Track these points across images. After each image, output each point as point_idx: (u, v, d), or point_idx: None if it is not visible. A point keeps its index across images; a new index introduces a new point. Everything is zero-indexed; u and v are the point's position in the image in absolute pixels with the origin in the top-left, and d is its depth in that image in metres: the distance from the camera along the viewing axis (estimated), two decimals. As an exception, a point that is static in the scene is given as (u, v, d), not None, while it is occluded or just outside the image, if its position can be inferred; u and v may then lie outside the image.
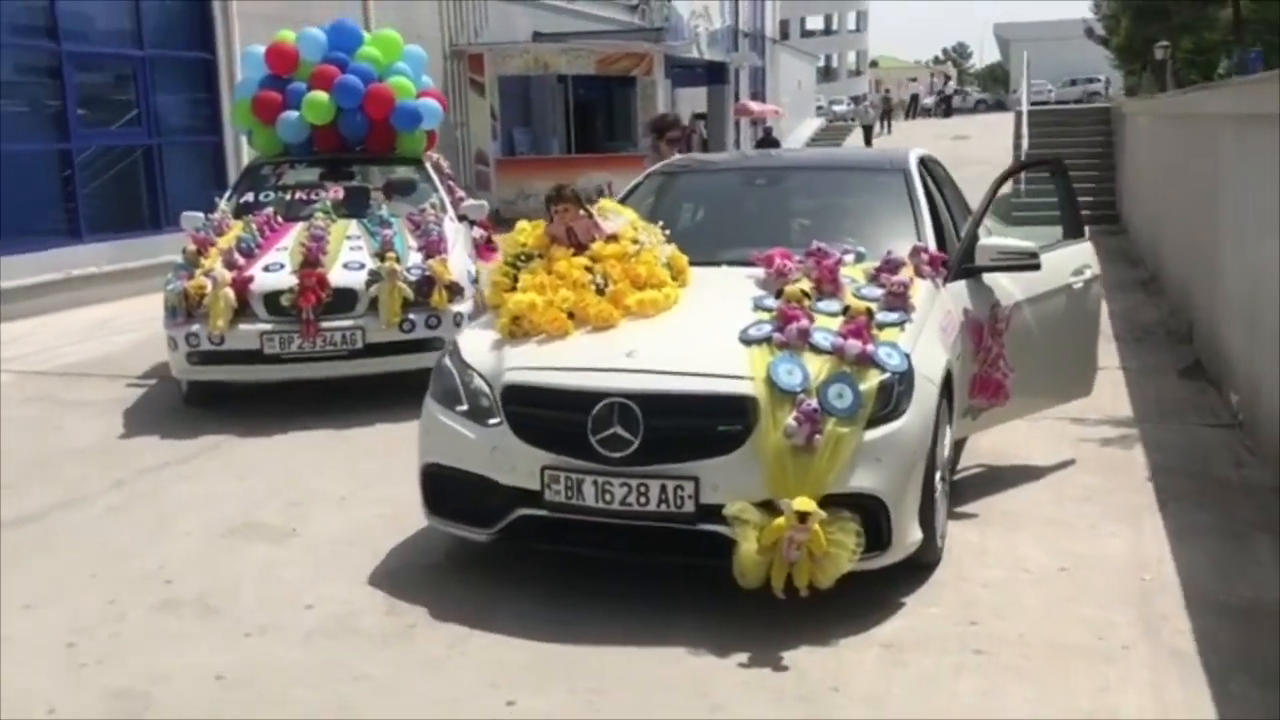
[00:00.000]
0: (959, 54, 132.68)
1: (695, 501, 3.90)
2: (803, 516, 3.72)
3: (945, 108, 52.84)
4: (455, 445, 4.36)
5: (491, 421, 4.29)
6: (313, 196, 8.38)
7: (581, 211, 4.82)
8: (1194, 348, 8.24)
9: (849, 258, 4.78)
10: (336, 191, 8.41)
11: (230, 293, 6.86)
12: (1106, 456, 5.89)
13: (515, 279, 4.75)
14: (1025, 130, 18.78)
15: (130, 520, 5.37)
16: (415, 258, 7.33)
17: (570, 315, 4.49)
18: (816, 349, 4.08)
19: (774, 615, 3.91)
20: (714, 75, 27.26)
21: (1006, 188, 7.01)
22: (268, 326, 6.92)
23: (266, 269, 7.13)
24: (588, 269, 4.62)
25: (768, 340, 4.11)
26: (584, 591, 4.27)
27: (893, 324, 4.26)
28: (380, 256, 7.18)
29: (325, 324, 6.93)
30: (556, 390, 4.17)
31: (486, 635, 3.99)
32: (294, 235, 7.64)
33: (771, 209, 5.68)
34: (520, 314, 4.48)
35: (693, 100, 28.88)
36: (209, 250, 7.33)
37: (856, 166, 6.07)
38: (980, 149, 35.62)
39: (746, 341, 4.15)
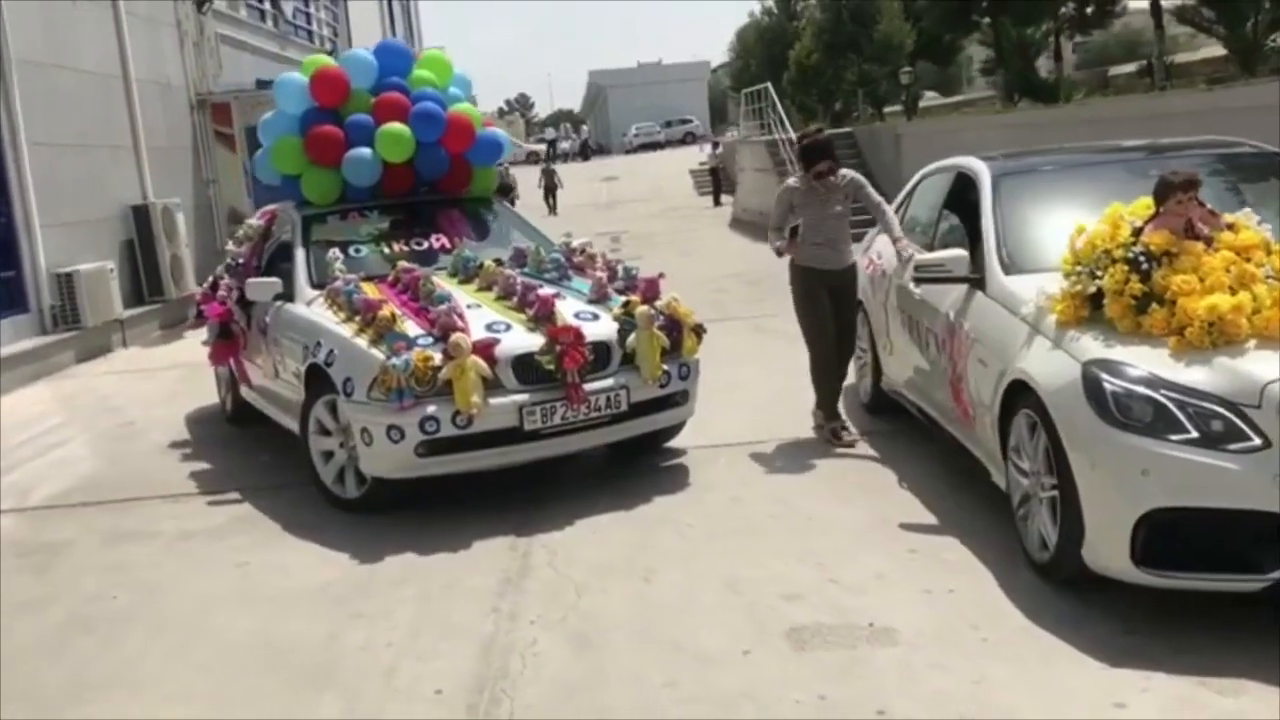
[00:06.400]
0: (522, 104, 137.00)
1: None
2: None
3: (584, 152, 54.27)
4: (1203, 481, 3.69)
5: (1237, 446, 3.67)
6: (419, 245, 7.00)
7: (1195, 201, 4.26)
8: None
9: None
10: (448, 239, 7.07)
11: (482, 362, 5.49)
12: None
13: (1144, 285, 4.10)
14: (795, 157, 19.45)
15: (643, 655, 4.08)
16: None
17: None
18: None
19: None
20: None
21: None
22: (524, 397, 5.61)
23: (491, 329, 5.79)
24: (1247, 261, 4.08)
25: None
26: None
27: None
28: (624, 306, 6.06)
29: (587, 386, 5.73)
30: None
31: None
32: (463, 289, 6.31)
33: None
34: (1218, 319, 3.86)
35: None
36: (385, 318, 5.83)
37: (1217, 152, 5.79)
38: (631, 188, 36.94)
39: None
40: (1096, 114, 11.21)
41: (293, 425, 6.57)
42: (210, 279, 8.27)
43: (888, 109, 31.93)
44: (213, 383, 8.76)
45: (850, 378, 7.18)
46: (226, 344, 7.53)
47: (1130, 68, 33.01)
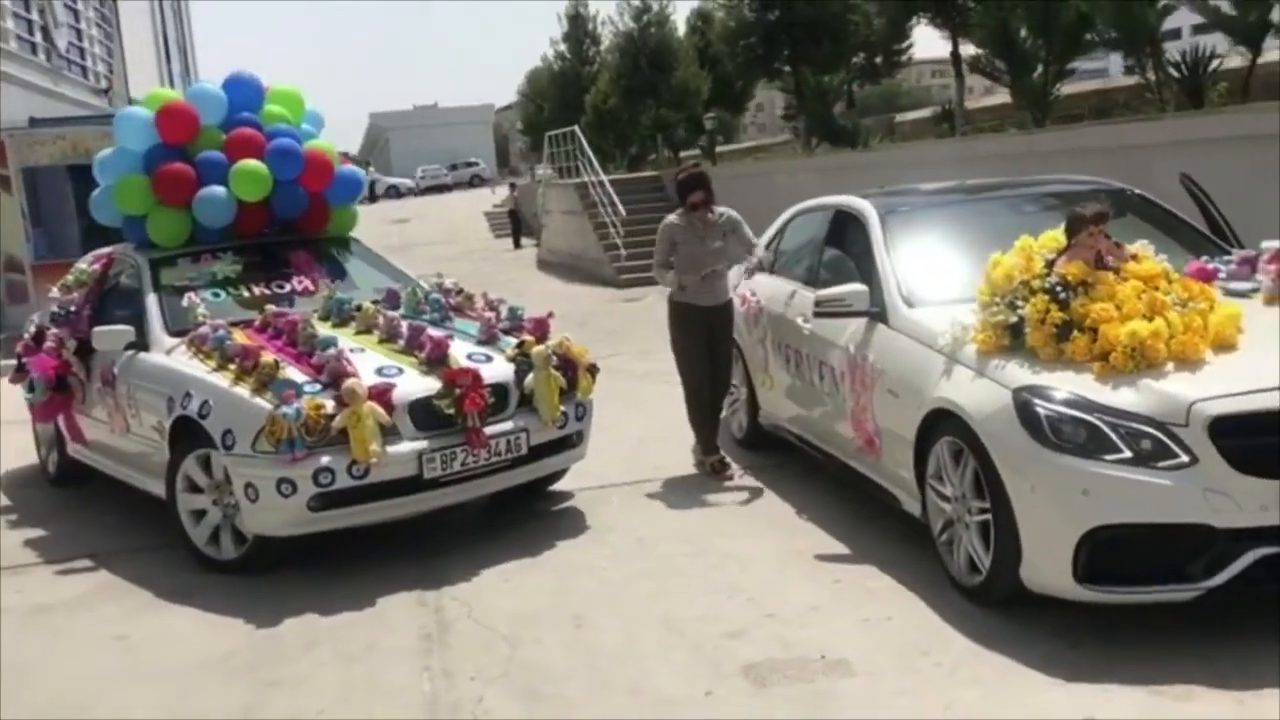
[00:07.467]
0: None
1: None
2: None
3: (371, 194, 52.93)
4: (1138, 498, 3.87)
5: (1166, 464, 3.88)
6: (281, 288, 6.64)
7: (1103, 234, 4.49)
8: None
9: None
10: (310, 281, 6.74)
11: (379, 409, 5.23)
12: None
13: (1064, 313, 4.29)
14: (615, 198, 19.79)
15: (602, 704, 3.94)
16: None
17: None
18: None
19: None
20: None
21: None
22: (423, 444, 5.37)
23: (381, 373, 5.53)
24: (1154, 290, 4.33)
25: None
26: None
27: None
28: (518, 346, 5.91)
29: (487, 430, 5.54)
30: (1290, 411, 3.87)
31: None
32: (340, 333, 6.01)
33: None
34: (1139, 344, 4.08)
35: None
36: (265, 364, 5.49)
37: (1073, 189, 6.06)
38: (424, 231, 36.32)
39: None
40: (915, 157, 11.79)
41: (148, 484, 6.12)
42: (33, 329, 7.61)
43: (684, 153, 32.79)
44: (15, 442, 8.07)
45: (723, 412, 7.22)
46: (60, 398, 6.92)
47: (913, 114, 35.12)
